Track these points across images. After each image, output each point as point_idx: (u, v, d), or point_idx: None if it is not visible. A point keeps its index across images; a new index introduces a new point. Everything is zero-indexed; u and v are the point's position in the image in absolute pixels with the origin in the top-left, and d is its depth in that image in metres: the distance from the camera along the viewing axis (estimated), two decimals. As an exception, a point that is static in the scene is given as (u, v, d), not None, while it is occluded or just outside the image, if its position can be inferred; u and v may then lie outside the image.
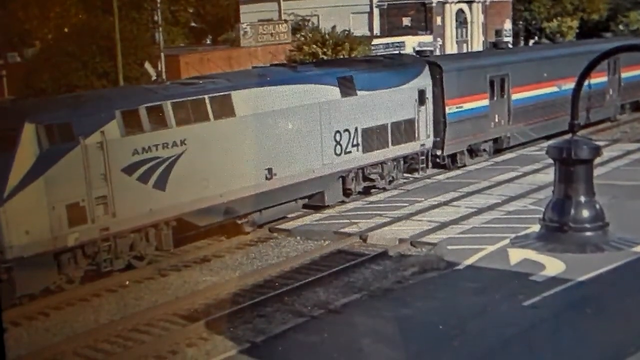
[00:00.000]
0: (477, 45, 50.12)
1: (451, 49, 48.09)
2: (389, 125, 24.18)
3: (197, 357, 13.58)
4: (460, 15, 49.74)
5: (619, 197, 20.61)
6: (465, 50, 48.41)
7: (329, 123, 22.23)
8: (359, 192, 23.93)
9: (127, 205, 17.23)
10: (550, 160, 5.41)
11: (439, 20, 47.96)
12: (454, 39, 49.14)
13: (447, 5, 48.42)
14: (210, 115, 19.18)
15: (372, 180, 24.16)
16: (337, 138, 22.51)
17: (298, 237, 20.48)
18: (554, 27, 55.72)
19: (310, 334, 14.05)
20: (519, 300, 14.69)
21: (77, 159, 16.39)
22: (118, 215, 17.05)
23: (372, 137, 23.61)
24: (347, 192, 23.37)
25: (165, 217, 18.17)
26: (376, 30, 47.99)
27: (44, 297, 16.30)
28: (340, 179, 23.07)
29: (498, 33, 51.57)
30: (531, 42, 57.45)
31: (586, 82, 5.83)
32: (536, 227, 5.44)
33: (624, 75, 36.91)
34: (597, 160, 5.38)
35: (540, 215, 5.39)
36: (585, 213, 5.20)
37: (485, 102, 28.59)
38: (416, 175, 26.16)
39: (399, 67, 25.38)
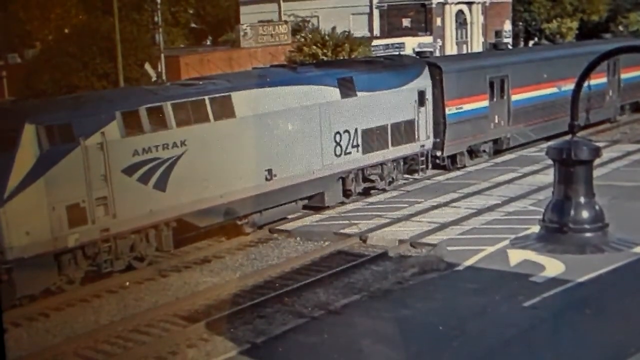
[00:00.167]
0: (477, 46, 50.16)
1: (451, 50, 48.12)
2: (389, 126, 24.19)
3: (197, 358, 13.59)
4: (460, 16, 49.78)
5: (619, 198, 20.63)
6: (465, 51, 48.43)
7: (328, 124, 22.24)
8: (359, 193, 23.94)
9: (128, 206, 17.23)
10: (550, 161, 5.42)
11: (438, 21, 48.00)
12: (454, 40, 49.17)
13: (447, 7, 48.46)
14: (210, 116, 19.20)
15: (372, 181, 24.17)
16: (337, 139, 22.53)
17: (298, 238, 20.49)
18: (554, 28, 55.74)
19: (311, 334, 14.06)
20: (518, 301, 14.70)
21: (77, 160, 16.40)
22: (118, 216, 17.06)
23: (372, 138, 23.62)
24: (347, 193, 23.37)
25: (165, 218, 18.18)
26: (376, 31, 48.03)
27: (44, 297, 16.30)
28: (340, 180, 23.08)
29: (498, 34, 51.62)
30: (531, 43, 57.49)
31: (586, 83, 5.84)
32: (536, 228, 5.45)
33: (623, 76, 36.92)
34: (597, 161, 5.39)
35: (540, 216, 5.40)
36: (585, 214, 5.21)
37: (485, 103, 28.60)
38: (416, 176, 26.16)
39: (398, 68, 25.39)
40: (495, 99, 29.12)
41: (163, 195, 17.96)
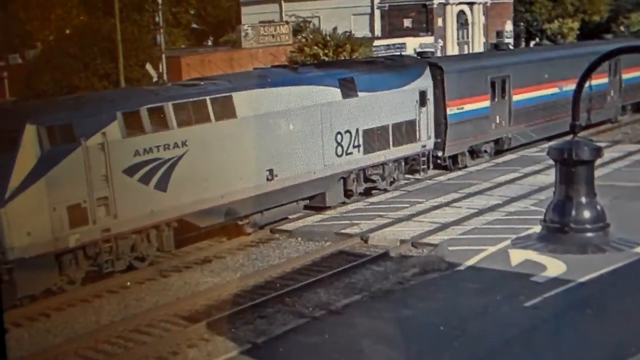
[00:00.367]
0: (478, 46, 50.15)
1: (452, 50, 48.10)
2: (390, 126, 24.19)
3: (198, 358, 13.59)
4: (461, 17, 49.77)
5: (620, 198, 20.62)
6: (466, 52, 48.42)
7: (330, 124, 22.24)
8: (360, 193, 23.94)
9: (129, 206, 17.24)
10: (551, 161, 5.42)
11: (440, 21, 48.00)
12: (455, 40, 49.17)
13: (448, 7, 48.45)
14: (212, 117, 19.20)
15: (373, 181, 24.16)
16: (338, 139, 22.53)
17: (299, 238, 20.49)
18: (555, 29, 55.73)
19: (311, 334, 14.06)
20: (520, 301, 14.70)
21: (78, 160, 16.40)
22: (119, 216, 17.06)
23: (373, 138, 23.62)
24: (348, 193, 23.37)
25: (166, 218, 18.18)
26: (377, 31, 48.03)
27: (45, 298, 16.30)
28: (342, 180, 23.07)
29: (499, 34, 51.60)
30: (532, 43, 57.46)
31: (587, 84, 5.83)
32: (537, 228, 5.44)
33: (625, 76, 36.90)
34: (598, 161, 5.38)
35: (541, 216, 5.39)
36: (586, 214, 5.20)
37: (486, 103, 28.60)
38: (417, 176, 26.16)
39: (400, 68, 25.38)
40: (496, 99, 29.12)
41: (164, 196, 17.96)
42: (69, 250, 16.38)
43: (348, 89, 22.86)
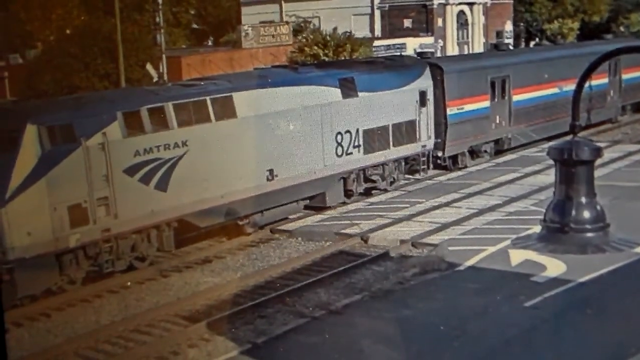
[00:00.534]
0: (478, 46, 50.16)
1: (452, 50, 48.11)
2: (390, 126, 24.20)
3: (198, 358, 13.60)
4: (461, 17, 49.78)
5: (620, 198, 20.64)
6: (466, 52, 48.42)
7: (330, 124, 22.26)
8: (360, 193, 23.95)
9: (129, 206, 17.25)
10: (551, 162, 5.43)
11: (440, 21, 48.01)
12: (455, 40, 49.17)
13: (448, 7, 48.46)
14: (212, 117, 19.21)
15: (373, 181, 24.18)
16: (339, 139, 22.54)
17: (299, 238, 20.50)
18: (555, 29, 55.73)
19: (312, 334, 14.07)
20: (520, 301, 14.71)
21: (78, 160, 16.41)
22: (120, 216, 17.08)
23: (374, 139, 23.63)
24: (348, 193, 23.38)
25: (166, 218, 18.19)
26: (377, 31, 48.05)
27: (46, 298, 16.31)
28: (342, 180, 23.08)
29: (499, 34, 51.61)
30: (532, 43, 57.47)
31: (587, 84, 5.84)
32: (537, 228, 5.45)
33: (624, 76, 36.91)
34: (598, 161, 5.39)
35: (541, 216, 5.40)
36: (586, 214, 5.21)
37: (486, 103, 28.61)
38: (417, 176, 26.17)
39: (400, 68, 25.39)
40: (496, 100, 29.13)
41: (164, 196, 17.97)
42: (69, 250, 16.39)
43: (348, 89, 22.87)
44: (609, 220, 5.28)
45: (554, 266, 15.93)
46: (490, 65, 29.71)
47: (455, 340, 13.30)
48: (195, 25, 57.58)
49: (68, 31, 35.44)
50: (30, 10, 36.32)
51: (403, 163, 25.31)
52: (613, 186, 22.08)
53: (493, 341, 13.24)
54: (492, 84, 28.94)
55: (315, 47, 36.36)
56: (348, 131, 22.79)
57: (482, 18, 50.99)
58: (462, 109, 27.33)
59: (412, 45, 43.06)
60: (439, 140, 26.50)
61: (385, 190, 24.58)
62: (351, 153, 22.94)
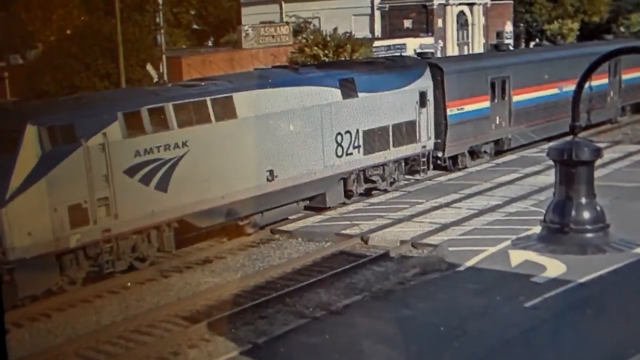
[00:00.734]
0: (478, 47, 50.17)
1: (452, 51, 48.12)
2: (390, 127, 24.21)
3: (198, 358, 13.61)
4: (461, 18, 49.79)
5: (620, 199, 20.65)
6: (466, 52, 48.44)
7: (330, 125, 22.27)
8: (360, 194, 23.96)
9: (129, 206, 17.26)
10: (551, 162, 5.44)
11: (440, 22, 48.02)
12: (455, 41, 49.19)
13: (448, 8, 48.47)
14: (212, 117, 19.22)
15: (373, 181, 24.19)
16: (339, 140, 22.55)
17: (299, 239, 20.51)
18: (555, 29, 55.74)
19: (312, 335, 14.08)
20: (520, 301, 14.72)
21: (79, 161, 16.42)
22: (120, 216, 17.09)
23: (374, 139, 23.64)
24: (348, 194, 23.39)
25: (167, 219, 18.20)
26: (377, 32, 48.07)
27: (46, 298, 16.31)
28: (342, 180, 23.09)
29: (499, 35, 51.62)
30: (532, 44, 57.47)
31: (587, 84, 5.85)
32: (537, 229, 5.46)
33: (624, 77, 36.92)
34: (598, 161, 5.40)
35: (541, 217, 5.41)
36: (586, 214, 5.22)
37: (486, 104, 28.61)
38: (417, 177, 26.18)
39: (400, 69, 25.40)
40: (496, 100, 29.14)
41: (165, 196, 17.98)
42: (69, 251, 16.40)
43: (348, 89, 22.88)
44: (609, 220, 5.28)
45: (554, 267, 15.94)
46: (490, 65, 29.72)
47: (455, 341, 13.31)
48: (195, 26, 57.60)
49: (69, 31, 35.42)
50: (31, 10, 36.32)
51: (403, 163, 25.32)
52: (613, 186, 22.10)
53: (493, 341, 13.25)
54: (492, 85, 28.95)
55: (316, 48, 36.36)
56: (348, 132, 22.81)
57: (482, 19, 51.01)
58: (462, 109, 27.34)
59: (412, 45, 43.08)
60: (439, 140, 26.51)
61: (386, 191, 24.59)
62: (351, 153, 22.95)
